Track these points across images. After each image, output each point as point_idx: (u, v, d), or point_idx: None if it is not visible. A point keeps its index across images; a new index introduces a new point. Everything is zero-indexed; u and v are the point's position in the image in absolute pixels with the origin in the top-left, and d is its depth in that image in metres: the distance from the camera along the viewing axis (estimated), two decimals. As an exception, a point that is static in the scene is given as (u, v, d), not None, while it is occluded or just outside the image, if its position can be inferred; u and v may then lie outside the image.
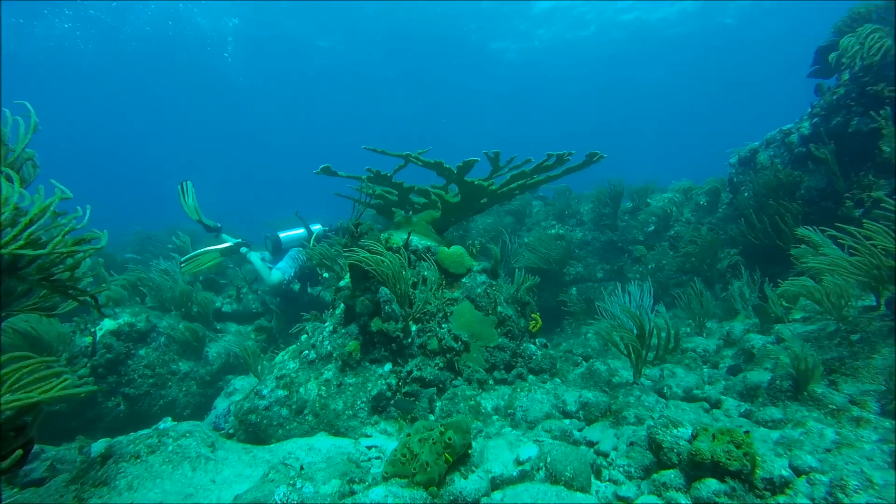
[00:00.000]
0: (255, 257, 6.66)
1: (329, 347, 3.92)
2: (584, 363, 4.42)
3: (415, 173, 4.97)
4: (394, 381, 3.65)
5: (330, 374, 3.79)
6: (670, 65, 33.57)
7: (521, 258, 8.08)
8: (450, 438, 2.27)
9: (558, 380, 3.93)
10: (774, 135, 5.97)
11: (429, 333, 3.83)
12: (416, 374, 3.65)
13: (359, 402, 3.61)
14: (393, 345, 3.79)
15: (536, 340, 4.14)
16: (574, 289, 7.72)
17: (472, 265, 4.21)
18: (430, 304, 3.91)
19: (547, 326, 7.87)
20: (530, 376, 3.86)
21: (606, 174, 9.13)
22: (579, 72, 33.87)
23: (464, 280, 4.11)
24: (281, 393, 3.79)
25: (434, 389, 3.64)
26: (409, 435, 2.37)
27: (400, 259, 3.77)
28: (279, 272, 6.58)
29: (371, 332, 3.80)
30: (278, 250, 6.95)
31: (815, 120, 5.23)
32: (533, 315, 4.33)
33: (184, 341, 5.23)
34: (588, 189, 9.76)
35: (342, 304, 4.03)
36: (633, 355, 3.59)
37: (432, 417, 3.55)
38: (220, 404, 5.08)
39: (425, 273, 4.08)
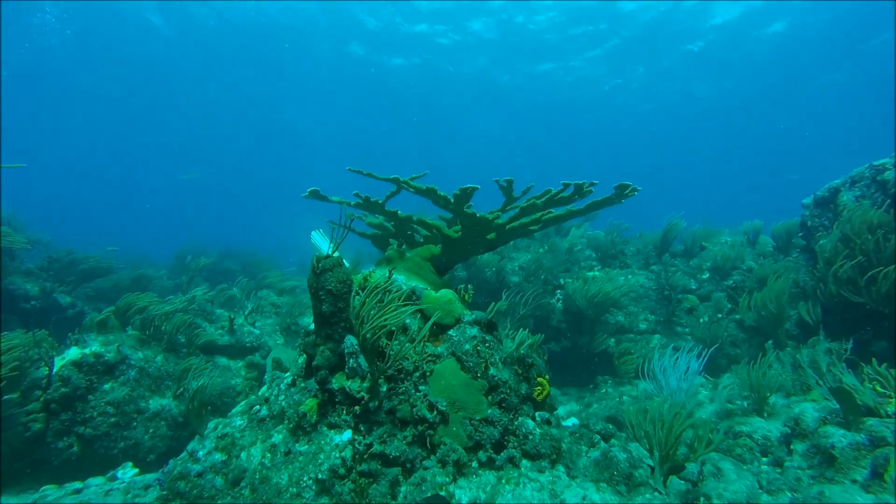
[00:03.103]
0: None
1: (283, 404, 3.27)
2: (602, 444, 3.51)
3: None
4: (349, 455, 2.93)
5: (279, 437, 3.13)
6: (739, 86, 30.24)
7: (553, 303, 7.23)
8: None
9: (562, 468, 3.06)
10: (862, 171, 4.86)
11: (401, 397, 3.09)
12: (377, 448, 2.91)
13: (306, 478, 2.91)
14: (357, 407, 3.08)
15: (538, 414, 3.29)
16: (612, 340, 6.75)
17: (463, 314, 3.45)
18: (407, 359, 3.20)
19: (580, 381, 6.91)
20: (524, 461, 3.02)
21: (663, 214, 8.16)
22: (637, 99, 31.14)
23: (451, 332, 3.36)
24: (218, 457, 3.16)
25: (398, 470, 2.89)
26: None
27: (374, 302, 3.10)
28: None
29: (332, 390, 3.12)
30: None
31: (918, 153, 4.16)
32: (539, 379, 3.49)
33: (158, 376, 4.75)
34: (646, 227, 8.81)
35: (304, 354, 3.39)
36: (656, 450, 2.69)
37: (394, 507, 2.79)
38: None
39: (406, 321, 3.38)
